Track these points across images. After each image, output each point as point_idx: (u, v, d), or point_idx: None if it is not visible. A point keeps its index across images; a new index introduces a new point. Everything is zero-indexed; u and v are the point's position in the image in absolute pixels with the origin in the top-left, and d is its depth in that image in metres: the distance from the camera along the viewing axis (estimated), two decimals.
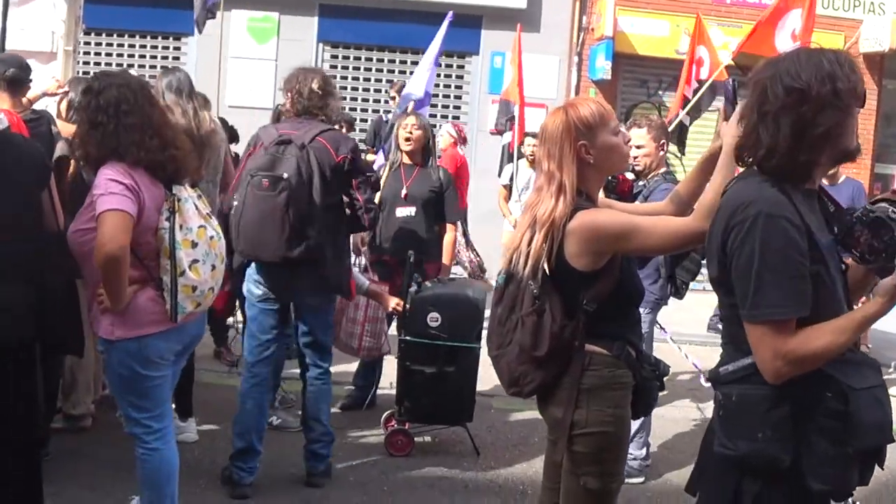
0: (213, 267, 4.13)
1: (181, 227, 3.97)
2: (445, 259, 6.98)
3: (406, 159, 6.97)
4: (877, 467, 2.73)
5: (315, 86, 5.41)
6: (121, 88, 4.02)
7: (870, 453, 2.67)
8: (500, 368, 3.48)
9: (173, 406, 5.06)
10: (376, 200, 6.22)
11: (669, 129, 10.66)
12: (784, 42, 8.66)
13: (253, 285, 5.42)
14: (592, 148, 3.34)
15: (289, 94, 5.50)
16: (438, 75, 14.37)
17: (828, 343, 2.56)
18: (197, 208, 4.13)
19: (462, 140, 11.15)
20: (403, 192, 6.86)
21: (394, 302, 6.19)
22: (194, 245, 4.01)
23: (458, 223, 7.39)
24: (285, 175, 5.08)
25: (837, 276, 2.72)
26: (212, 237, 4.13)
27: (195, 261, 4.01)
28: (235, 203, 5.22)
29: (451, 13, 9.07)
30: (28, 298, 4.05)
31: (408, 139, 6.91)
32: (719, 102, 10.83)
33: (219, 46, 13.02)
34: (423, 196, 6.89)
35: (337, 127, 6.04)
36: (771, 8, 9.17)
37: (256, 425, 5.44)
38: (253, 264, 5.41)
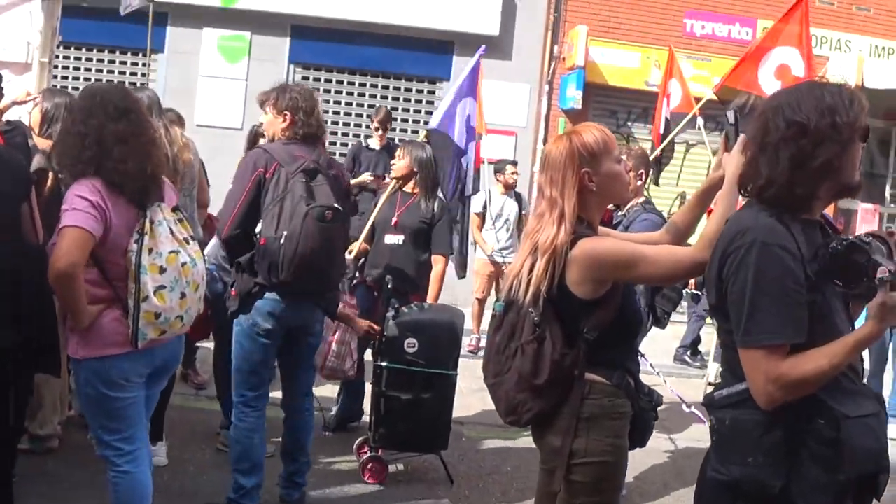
0: (183, 295, 4.00)
1: (150, 250, 3.89)
2: (431, 295, 6.80)
3: (405, 187, 6.92)
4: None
5: (319, 109, 5.33)
6: (102, 99, 4.01)
7: (864, 482, 2.67)
8: (497, 396, 3.43)
9: None
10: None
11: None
12: (767, 78, 8.75)
13: (263, 319, 5.12)
14: (596, 175, 3.32)
15: (288, 115, 5.21)
16: (409, 100, 14.42)
17: (819, 367, 2.56)
18: (173, 233, 4.05)
19: None
20: (394, 219, 6.80)
21: (365, 324, 6.12)
22: (162, 270, 3.92)
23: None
24: (340, 207, 5.01)
25: (836, 303, 2.71)
26: (184, 263, 4.02)
27: (161, 287, 3.91)
28: (284, 233, 4.88)
29: (482, 47, 8.95)
30: (5, 309, 3.97)
31: (392, 165, 6.95)
32: (688, 135, 10.98)
33: (189, 65, 12.99)
34: (413, 226, 6.79)
35: None
36: (755, 44, 9.27)
37: (262, 456, 5.34)
38: (271, 298, 5.11)
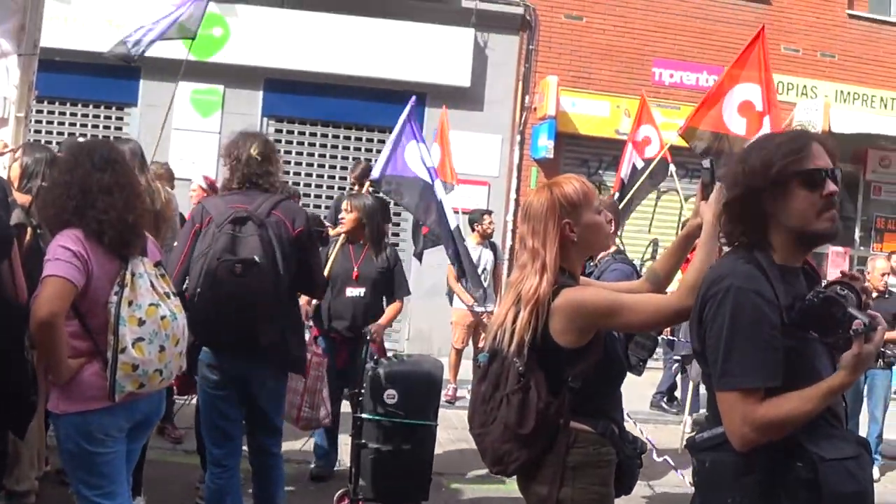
0: (162, 348, 3.99)
1: (130, 302, 3.90)
2: (383, 320, 6.95)
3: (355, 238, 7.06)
4: None
5: (254, 151, 5.13)
6: (88, 153, 4.06)
7: None
8: (483, 447, 3.44)
9: None
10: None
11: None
12: (731, 116, 8.85)
13: (209, 371, 5.08)
14: (577, 226, 3.37)
15: (227, 162, 5.19)
16: (381, 151, 14.45)
17: (793, 411, 2.60)
18: (153, 286, 4.05)
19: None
20: (354, 272, 6.94)
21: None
22: (141, 323, 3.91)
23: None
24: (258, 259, 4.82)
25: (818, 347, 2.74)
26: (163, 317, 4.01)
27: (140, 339, 3.90)
28: (198, 290, 4.87)
29: (413, 98, 9.09)
30: None
31: (342, 219, 7.02)
32: (669, 182, 11.07)
33: (163, 117, 12.97)
34: (372, 276, 7.00)
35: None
36: (716, 84, 9.36)
37: None
38: (207, 350, 5.09)
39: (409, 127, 8.54)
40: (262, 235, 4.91)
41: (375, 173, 8.22)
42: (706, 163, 3.41)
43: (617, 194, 10.73)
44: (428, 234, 10.71)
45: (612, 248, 6.24)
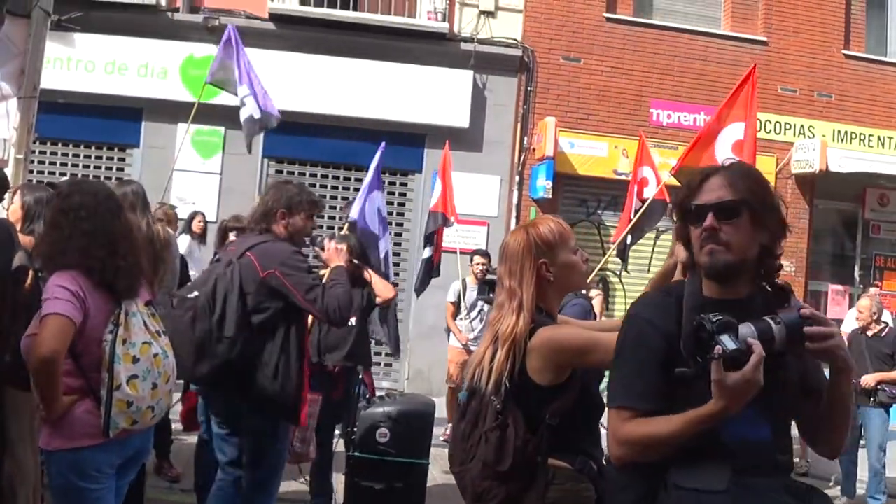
0: (155, 385, 4.06)
1: (124, 341, 3.96)
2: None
3: None
4: None
5: (260, 198, 5.56)
6: (84, 196, 4.12)
7: None
8: (463, 484, 3.48)
9: None
10: None
11: (613, 246, 10.93)
12: (724, 154, 8.89)
13: (199, 412, 5.34)
14: (553, 266, 3.43)
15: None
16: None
17: (651, 431, 2.65)
18: (146, 325, 4.12)
19: None
20: None
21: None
22: (135, 360, 3.98)
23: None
24: (192, 294, 5.08)
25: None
26: (156, 355, 4.09)
27: (134, 376, 3.96)
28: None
29: (383, 144, 9.29)
30: None
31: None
32: (666, 221, 11.11)
33: (164, 159, 13.11)
34: (359, 306, 7.11)
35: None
36: (707, 124, 9.41)
37: None
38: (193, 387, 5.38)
39: (375, 176, 8.91)
40: (223, 274, 5.16)
41: (354, 214, 8.39)
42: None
43: (629, 237, 10.77)
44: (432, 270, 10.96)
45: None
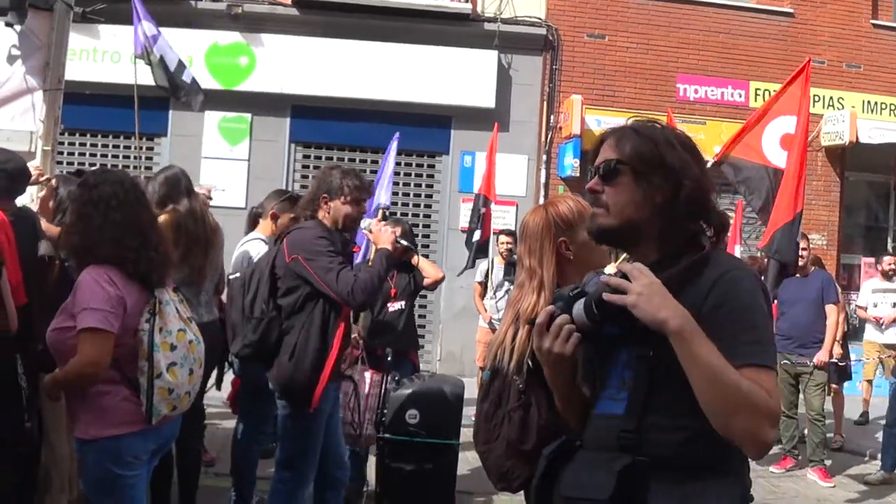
0: (191, 371, 4.13)
1: (161, 329, 4.00)
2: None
3: None
4: None
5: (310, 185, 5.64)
6: (114, 185, 4.11)
7: None
8: (488, 464, 3.48)
9: None
10: None
11: None
12: (772, 148, 8.73)
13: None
14: (572, 244, 3.41)
15: None
16: (409, 174, 14.62)
17: None
18: (178, 311, 4.17)
19: None
20: (392, 289, 7.16)
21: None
22: (173, 348, 4.02)
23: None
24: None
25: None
26: (191, 341, 4.15)
27: (173, 363, 4.01)
28: None
29: (397, 134, 9.31)
30: None
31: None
32: None
33: (192, 147, 13.19)
34: (407, 290, 7.28)
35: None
36: (757, 113, 9.21)
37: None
38: None
39: (385, 163, 8.94)
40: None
41: (385, 200, 8.42)
42: None
43: None
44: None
45: None
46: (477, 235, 11.42)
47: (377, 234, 5.59)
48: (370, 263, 5.41)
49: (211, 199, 7.41)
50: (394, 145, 8.99)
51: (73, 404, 4.04)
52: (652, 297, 2.31)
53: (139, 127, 10.02)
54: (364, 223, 5.60)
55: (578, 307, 2.44)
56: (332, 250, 5.21)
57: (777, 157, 8.72)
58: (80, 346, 3.82)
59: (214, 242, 6.16)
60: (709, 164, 10.03)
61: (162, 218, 5.70)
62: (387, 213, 8.34)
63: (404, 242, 6.15)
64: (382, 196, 8.56)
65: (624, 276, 2.36)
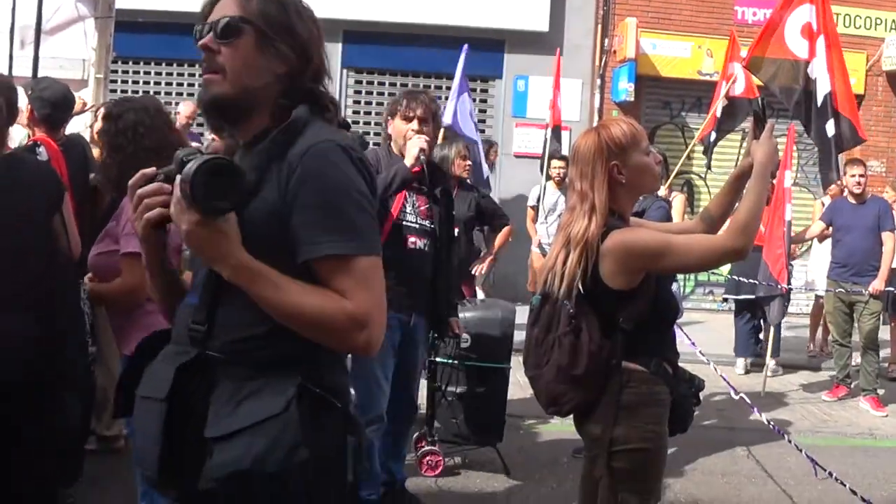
0: None
1: None
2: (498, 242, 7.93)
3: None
4: None
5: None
6: (138, 112, 4.13)
7: None
8: (538, 388, 3.50)
9: None
10: None
11: (701, 145, 10.76)
12: (794, 41, 8.53)
13: None
14: (624, 168, 3.37)
15: None
16: None
17: None
18: None
19: None
20: None
21: None
22: None
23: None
24: None
25: None
26: None
27: None
28: None
29: (466, 47, 9.11)
30: (28, 330, 3.78)
31: (470, 166, 7.34)
32: (746, 123, 10.81)
33: None
34: (465, 216, 7.20)
35: None
36: (775, 10, 8.99)
37: None
38: None
39: (462, 80, 8.76)
40: None
41: (448, 119, 8.31)
42: (757, 102, 3.40)
43: (713, 134, 10.54)
44: None
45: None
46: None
47: (406, 145, 5.11)
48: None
49: None
50: (461, 61, 8.79)
51: (121, 323, 4.12)
52: (202, 243, 2.08)
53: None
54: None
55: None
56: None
57: (799, 48, 8.54)
58: (123, 271, 3.90)
59: None
60: (738, 70, 9.85)
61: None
62: (447, 133, 8.24)
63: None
64: (447, 114, 8.41)
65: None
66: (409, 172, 4.95)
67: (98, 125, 6.01)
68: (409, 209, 5.14)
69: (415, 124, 5.06)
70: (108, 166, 4.16)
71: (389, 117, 5.25)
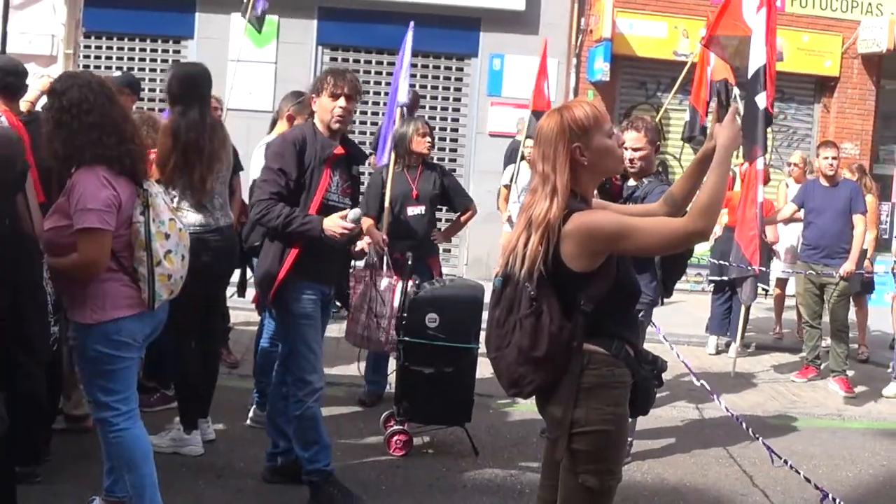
0: (183, 257, 4.41)
1: (154, 220, 4.23)
2: (454, 225, 7.90)
3: (411, 161, 7.22)
4: None
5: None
6: (82, 88, 4.21)
7: None
8: (499, 370, 3.48)
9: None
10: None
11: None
12: (752, 15, 8.55)
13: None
14: (587, 150, 3.36)
15: None
16: (437, 77, 14.49)
17: None
18: (165, 202, 4.43)
19: None
20: (413, 192, 7.16)
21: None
22: (167, 236, 4.28)
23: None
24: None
25: None
26: (180, 229, 4.43)
27: (169, 251, 4.28)
28: None
29: (411, 23, 9.06)
30: None
31: (430, 143, 7.28)
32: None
33: (219, 50, 13.07)
34: (430, 194, 7.22)
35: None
36: None
37: None
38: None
39: (400, 59, 8.76)
40: None
41: (403, 98, 8.30)
42: (720, 86, 3.40)
43: (709, 118, 10.49)
44: None
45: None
46: None
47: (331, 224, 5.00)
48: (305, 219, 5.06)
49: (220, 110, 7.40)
50: (408, 38, 8.75)
51: (75, 291, 4.23)
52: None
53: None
54: (352, 214, 5.03)
55: None
56: (280, 168, 5.11)
57: (755, 22, 8.59)
58: (79, 246, 4.04)
59: (220, 156, 6.00)
60: (698, 49, 9.80)
61: (164, 123, 5.84)
62: (404, 112, 8.20)
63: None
64: (401, 94, 8.37)
65: None
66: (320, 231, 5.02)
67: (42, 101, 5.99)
68: (333, 188, 5.28)
69: (342, 101, 5.18)
70: (52, 141, 4.23)
71: (314, 94, 5.29)
